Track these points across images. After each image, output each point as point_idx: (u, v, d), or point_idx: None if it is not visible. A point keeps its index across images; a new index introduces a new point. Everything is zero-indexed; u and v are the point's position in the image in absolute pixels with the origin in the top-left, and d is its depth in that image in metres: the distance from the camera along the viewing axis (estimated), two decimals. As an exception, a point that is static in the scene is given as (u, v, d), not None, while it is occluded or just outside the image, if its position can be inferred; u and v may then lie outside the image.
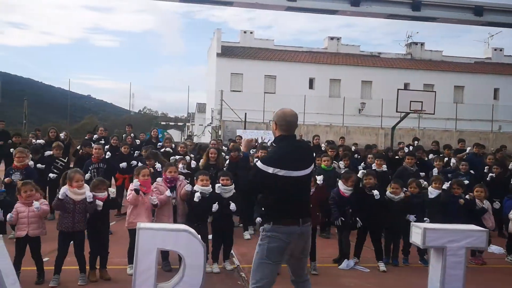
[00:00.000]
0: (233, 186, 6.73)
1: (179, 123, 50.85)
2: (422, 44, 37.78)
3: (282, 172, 3.91)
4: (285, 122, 4.14)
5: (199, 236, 5.23)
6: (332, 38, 37.14)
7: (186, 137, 16.63)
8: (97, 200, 5.93)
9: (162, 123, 42.63)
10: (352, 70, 33.52)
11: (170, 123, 44.85)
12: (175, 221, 6.50)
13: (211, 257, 6.53)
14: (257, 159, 8.81)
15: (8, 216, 5.67)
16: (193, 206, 6.43)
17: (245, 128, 23.53)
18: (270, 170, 3.93)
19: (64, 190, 5.79)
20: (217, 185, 6.61)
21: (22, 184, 5.89)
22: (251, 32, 36.46)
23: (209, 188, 6.55)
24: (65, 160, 9.69)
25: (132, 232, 5.53)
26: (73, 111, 46.53)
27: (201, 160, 8.90)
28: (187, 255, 4.99)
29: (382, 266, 6.93)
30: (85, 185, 6.07)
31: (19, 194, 5.80)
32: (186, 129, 45.10)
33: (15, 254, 5.65)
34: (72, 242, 5.94)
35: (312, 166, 4.22)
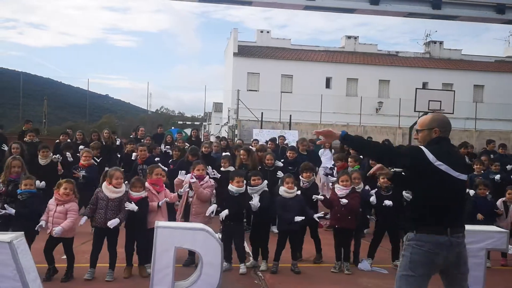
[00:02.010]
0: (263, 185, 6.69)
1: (196, 123, 51.15)
2: (441, 42, 37.31)
3: (443, 167, 3.47)
4: (448, 127, 3.76)
5: (217, 235, 5.27)
6: (349, 37, 36.91)
7: (220, 137, 16.82)
8: (128, 204, 6.00)
9: (179, 122, 42.92)
10: (369, 69, 33.26)
11: (187, 123, 45.12)
12: (187, 220, 6.52)
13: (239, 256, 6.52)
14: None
15: (42, 222, 5.70)
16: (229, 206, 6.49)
17: (261, 128, 23.51)
18: (431, 157, 3.47)
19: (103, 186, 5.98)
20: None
21: (65, 181, 5.97)
22: (268, 32, 36.45)
23: (243, 189, 6.53)
24: (98, 161, 9.80)
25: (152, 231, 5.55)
26: (92, 110, 47.16)
27: (237, 160, 8.87)
28: (204, 254, 5.03)
29: None
30: (123, 184, 6.17)
31: (57, 189, 5.86)
32: (203, 129, 45.30)
33: (45, 248, 5.78)
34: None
35: (467, 174, 3.79)
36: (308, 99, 28.93)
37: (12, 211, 5.76)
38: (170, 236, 5.01)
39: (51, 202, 5.86)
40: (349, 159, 8.95)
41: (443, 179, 3.48)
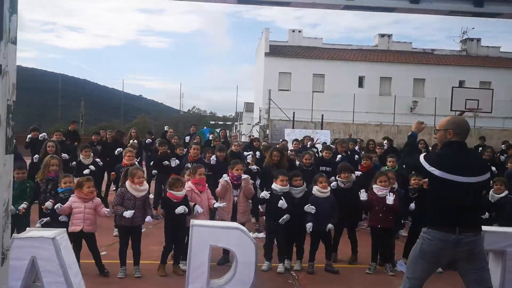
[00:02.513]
0: (304, 185, 6.68)
1: (228, 122, 51.48)
2: (478, 40, 36.26)
3: (436, 172, 3.83)
4: (462, 130, 4.01)
5: (251, 234, 5.30)
6: (382, 35, 36.38)
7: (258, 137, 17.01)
8: (179, 209, 6.07)
9: (211, 122, 43.28)
10: (403, 67, 32.67)
11: (219, 123, 45.47)
12: (234, 219, 6.57)
13: (278, 256, 6.54)
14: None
15: (58, 205, 5.81)
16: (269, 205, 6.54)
17: (293, 127, 23.47)
18: (426, 166, 3.91)
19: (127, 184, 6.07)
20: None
21: (86, 179, 6.11)
22: (300, 31, 36.33)
23: (286, 188, 6.54)
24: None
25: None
26: (126, 111, 48.12)
27: (265, 161, 8.91)
28: (239, 253, 5.06)
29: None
30: (145, 182, 6.29)
31: (79, 188, 6.01)
32: (234, 129, 45.53)
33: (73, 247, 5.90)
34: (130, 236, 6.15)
35: (485, 176, 3.97)
36: (340, 99, 28.67)
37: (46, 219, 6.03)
38: (205, 234, 5.06)
39: (74, 200, 5.94)
40: (389, 159, 8.83)
41: (441, 183, 3.83)
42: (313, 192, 6.62)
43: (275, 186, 6.55)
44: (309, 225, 6.30)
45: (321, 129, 23.35)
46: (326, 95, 30.54)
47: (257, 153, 9.61)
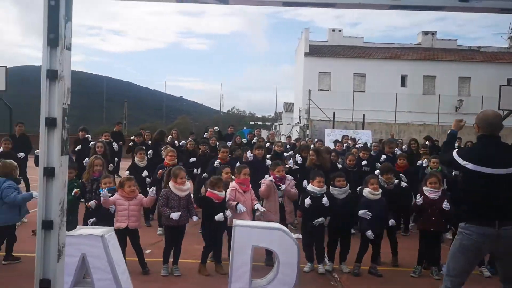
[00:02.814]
0: (348, 187, 6.62)
1: (267, 123, 51.56)
2: (528, 35, 34.77)
3: (470, 166, 3.93)
4: (486, 124, 4.10)
5: (293, 234, 5.30)
6: (426, 33, 35.49)
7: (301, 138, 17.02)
8: (224, 212, 6.20)
9: (251, 123, 43.49)
10: (448, 66, 31.73)
11: (259, 123, 45.62)
12: (283, 220, 6.59)
13: (328, 256, 6.54)
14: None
15: (104, 193, 5.90)
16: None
17: (333, 127, 23.24)
18: (459, 161, 4.01)
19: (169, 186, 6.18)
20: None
21: (126, 179, 6.28)
22: (340, 30, 35.97)
23: (323, 189, 6.52)
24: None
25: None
26: (168, 112, 48.99)
27: (307, 161, 8.90)
28: (281, 253, 5.07)
29: (486, 272, 6.49)
30: (187, 182, 6.39)
31: (122, 188, 6.18)
32: (274, 129, 45.54)
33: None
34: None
35: None
36: (382, 98, 28.17)
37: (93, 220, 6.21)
38: (247, 235, 5.10)
39: (119, 197, 6.10)
40: (433, 160, 8.62)
41: (474, 176, 3.90)
42: (364, 194, 6.53)
43: (311, 187, 6.52)
44: (369, 233, 6.23)
45: (362, 129, 23.01)
46: (367, 94, 30.08)
47: (297, 156, 9.57)
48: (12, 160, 6.88)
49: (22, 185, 8.06)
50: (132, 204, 6.11)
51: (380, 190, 6.55)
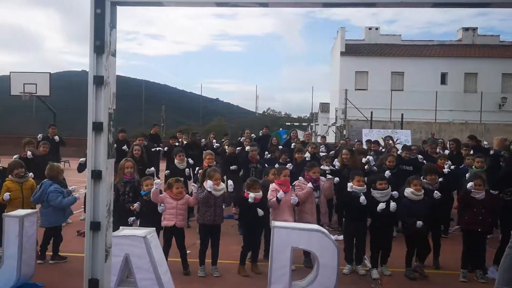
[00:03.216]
0: (389, 189, 6.48)
1: (303, 124, 51.35)
2: None
3: None
4: None
5: (332, 236, 5.26)
6: (466, 29, 34.47)
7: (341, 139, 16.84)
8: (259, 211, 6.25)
9: (287, 123, 43.40)
10: (490, 62, 30.67)
11: (295, 124, 45.48)
12: (318, 220, 6.57)
13: (370, 258, 6.46)
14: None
15: (160, 208, 6.14)
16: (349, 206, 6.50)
17: (371, 127, 22.90)
18: None
19: (210, 184, 6.23)
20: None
21: (175, 180, 6.41)
22: (377, 29, 35.39)
23: (363, 188, 6.46)
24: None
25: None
26: (204, 114, 49.58)
27: (338, 161, 8.83)
28: (321, 255, 5.04)
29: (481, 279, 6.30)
30: (222, 182, 6.47)
31: (170, 189, 6.31)
32: (310, 129, 45.28)
33: (163, 244, 6.18)
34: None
35: None
36: (421, 97, 27.55)
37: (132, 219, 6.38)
38: (286, 236, 5.11)
39: (167, 196, 6.24)
40: (477, 159, 8.36)
41: None
42: (405, 194, 6.41)
43: (350, 187, 6.46)
44: (419, 223, 6.05)
45: (401, 128, 22.56)
46: (405, 93, 29.48)
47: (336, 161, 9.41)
48: (58, 164, 7.13)
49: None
50: (180, 203, 6.26)
51: (423, 191, 6.41)
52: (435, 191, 6.48)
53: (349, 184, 6.47)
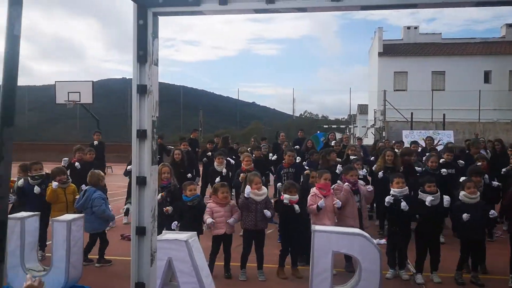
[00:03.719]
0: (438, 193, 6.29)
1: (341, 126, 50.80)
2: None
3: None
4: None
5: (374, 240, 5.17)
6: (510, 25, 33.21)
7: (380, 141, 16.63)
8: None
9: (324, 126, 43.06)
10: (537, 58, 29.48)
11: (332, 126, 45.05)
12: (361, 225, 6.51)
13: (416, 264, 6.29)
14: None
15: (209, 220, 6.09)
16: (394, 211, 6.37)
17: (411, 129, 22.41)
18: None
19: (248, 190, 6.26)
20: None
21: (220, 185, 6.48)
22: (415, 28, 34.64)
23: (403, 190, 6.31)
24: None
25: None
26: (241, 118, 49.85)
27: (377, 163, 8.69)
28: (363, 259, 4.96)
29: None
30: (263, 187, 6.48)
31: (215, 194, 6.37)
32: (348, 131, 44.73)
33: (212, 250, 6.25)
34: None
35: None
36: (463, 96, 26.76)
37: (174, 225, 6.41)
38: (327, 240, 5.06)
39: (214, 206, 6.28)
40: None
41: None
42: (460, 197, 6.23)
43: (393, 190, 6.33)
44: (465, 216, 5.83)
45: (443, 129, 21.97)
46: (447, 93, 28.74)
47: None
48: (100, 171, 7.35)
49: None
50: (227, 210, 6.30)
51: (478, 194, 6.20)
52: (492, 211, 6.17)
53: (387, 199, 6.33)
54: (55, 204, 6.88)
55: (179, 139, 12.29)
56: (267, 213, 6.26)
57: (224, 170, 9.36)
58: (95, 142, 11.70)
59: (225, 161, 9.60)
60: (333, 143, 12.29)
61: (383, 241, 7.64)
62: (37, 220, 6.17)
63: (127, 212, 9.45)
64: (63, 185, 6.99)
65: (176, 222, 6.47)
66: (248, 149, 11.22)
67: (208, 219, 6.11)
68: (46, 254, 7.00)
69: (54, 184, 6.84)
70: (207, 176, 10.89)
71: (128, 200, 7.65)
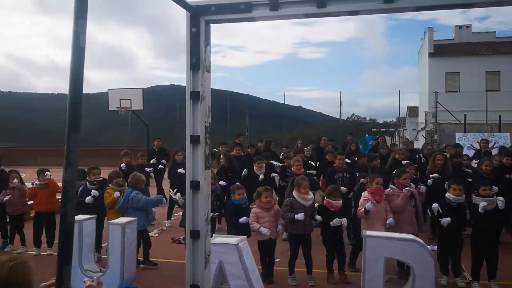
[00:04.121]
0: (495, 197, 6.11)
1: (390, 129, 49.70)
2: None
3: None
4: None
5: (428, 247, 5.02)
6: None
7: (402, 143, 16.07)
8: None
9: (373, 129, 42.28)
10: None
11: (381, 129, 44.16)
12: (419, 229, 6.38)
13: (472, 272, 6.10)
14: None
15: (265, 231, 6.06)
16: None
17: (465, 131, 21.57)
18: None
19: (295, 196, 6.24)
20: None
21: (264, 189, 6.50)
22: (468, 27, 33.40)
23: (460, 198, 6.13)
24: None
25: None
26: (287, 122, 49.79)
27: (428, 167, 8.46)
28: (417, 266, 4.84)
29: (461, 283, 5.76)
30: (311, 192, 6.45)
31: (258, 198, 6.39)
32: (397, 135, 43.68)
33: (259, 255, 6.27)
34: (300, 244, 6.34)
35: None
36: (521, 97, 25.52)
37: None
38: (379, 246, 4.97)
39: (259, 211, 6.29)
40: None
41: None
42: None
43: (448, 195, 6.12)
44: None
45: (499, 131, 21.00)
46: (503, 93, 27.46)
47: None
48: (141, 174, 7.59)
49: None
50: (272, 215, 6.31)
51: None
52: None
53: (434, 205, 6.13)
54: (113, 208, 7.12)
55: (218, 144, 12.35)
56: (318, 218, 6.22)
57: (262, 176, 9.39)
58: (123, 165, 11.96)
59: (264, 165, 9.65)
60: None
61: (436, 247, 7.44)
62: (93, 222, 6.43)
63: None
64: (119, 187, 7.24)
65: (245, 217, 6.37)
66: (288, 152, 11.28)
67: (262, 229, 6.08)
68: (102, 256, 7.27)
69: (116, 194, 7.04)
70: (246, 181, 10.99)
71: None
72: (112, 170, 7.81)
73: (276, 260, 6.62)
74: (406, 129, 43.45)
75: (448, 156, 9.04)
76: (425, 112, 30.54)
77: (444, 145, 13.65)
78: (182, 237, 7.91)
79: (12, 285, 1.81)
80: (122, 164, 9.84)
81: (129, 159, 10.34)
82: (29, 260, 2.14)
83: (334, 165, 9.15)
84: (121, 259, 5.73)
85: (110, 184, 7.26)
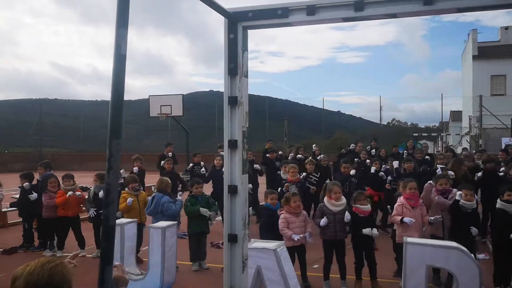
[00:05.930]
0: None
1: (432, 134, 48.46)
2: None
3: None
4: None
5: (473, 255, 4.86)
6: None
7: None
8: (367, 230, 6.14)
9: (414, 134, 41.31)
10: None
11: (423, 134, 43.08)
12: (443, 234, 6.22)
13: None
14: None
15: (296, 238, 6.03)
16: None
17: (512, 136, 20.80)
18: None
19: (324, 202, 6.22)
20: None
21: (292, 194, 6.48)
22: (514, 27, 32.27)
23: (472, 204, 5.98)
24: (317, 175, 10.28)
25: (400, 246, 5.43)
26: (326, 127, 49.41)
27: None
28: (460, 274, 4.69)
29: None
30: (343, 197, 6.37)
31: (287, 204, 6.36)
32: (440, 140, 42.53)
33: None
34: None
35: None
36: None
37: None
38: (420, 253, 4.84)
39: (288, 216, 6.25)
40: None
41: None
42: None
43: (463, 202, 5.96)
44: None
45: (549, 135, 20.13)
46: (552, 96, 26.33)
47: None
48: (168, 178, 7.76)
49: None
50: (301, 220, 6.29)
51: None
52: None
53: (458, 193, 6.00)
54: (128, 212, 7.28)
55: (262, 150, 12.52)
56: (347, 216, 6.13)
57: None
58: (169, 154, 12.08)
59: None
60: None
61: (482, 255, 7.18)
62: (135, 226, 6.58)
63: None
64: (135, 192, 7.43)
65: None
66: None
67: (294, 236, 6.04)
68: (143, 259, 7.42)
69: (129, 200, 7.23)
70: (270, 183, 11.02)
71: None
72: (128, 175, 8.03)
73: (314, 266, 6.57)
74: (449, 134, 42.26)
75: (463, 160, 8.94)
76: (469, 116, 29.63)
77: (474, 151, 13.31)
78: (221, 242, 7.99)
79: (52, 287, 1.87)
80: (134, 168, 10.17)
81: (140, 164, 10.61)
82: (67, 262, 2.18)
83: (343, 172, 9.28)
84: (161, 263, 5.83)
85: (126, 189, 7.47)
